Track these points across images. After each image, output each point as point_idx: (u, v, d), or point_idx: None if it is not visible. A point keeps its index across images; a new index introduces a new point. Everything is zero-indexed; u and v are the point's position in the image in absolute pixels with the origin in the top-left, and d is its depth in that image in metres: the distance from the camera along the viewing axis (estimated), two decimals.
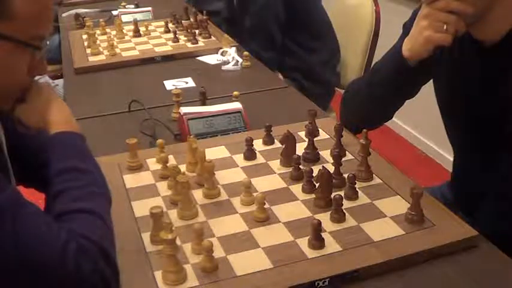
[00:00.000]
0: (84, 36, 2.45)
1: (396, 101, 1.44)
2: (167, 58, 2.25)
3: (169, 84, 1.98)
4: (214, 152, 1.43)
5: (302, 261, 1.04)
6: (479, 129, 1.33)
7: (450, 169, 1.56)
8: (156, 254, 1.06)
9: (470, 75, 1.30)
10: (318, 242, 1.06)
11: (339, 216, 1.14)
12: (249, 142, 1.41)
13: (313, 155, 1.39)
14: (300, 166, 1.31)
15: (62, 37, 2.67)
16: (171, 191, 1.25)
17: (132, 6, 2.98)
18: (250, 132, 1.53)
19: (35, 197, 1.07)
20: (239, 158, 1.41)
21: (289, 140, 1.37)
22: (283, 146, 1.38)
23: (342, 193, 1.19)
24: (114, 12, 2.89)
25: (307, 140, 1.41)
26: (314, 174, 1.23)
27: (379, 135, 1.64)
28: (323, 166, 1.22)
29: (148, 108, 1.73)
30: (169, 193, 1.25)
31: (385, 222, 1.14)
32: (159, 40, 2.44)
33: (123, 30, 2.51)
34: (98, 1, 3.23)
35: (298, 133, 1.48)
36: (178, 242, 1.05)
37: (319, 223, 1.06)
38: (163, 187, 1.29)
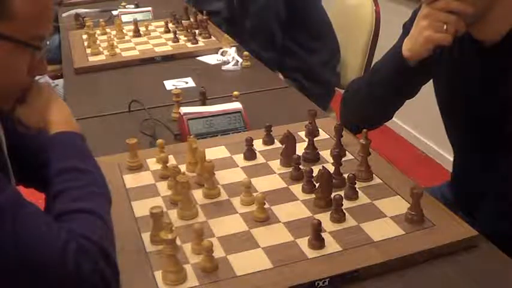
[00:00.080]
0: (84, 36, 2.45)
1: (396, 101, 1.44)
2: (167, 58, 2.25)
3: (169, 84, 1.98)
4: (214, 152, 1.43)
5: (302, 261, 1.04)
6: (479, 129, 1.33)
7: (450, 169, 1.56)
8: (156, 254, 1.06)
9: (470, 75, 1.30)
10: (318, 242, 1.06)
11: (339, 216, 1.14)
12: (249, 142, 1.41)
13: (313, 155, 1.39)
14: (300, 166, 1.30)
15: (62, 37, 2.67)
16: (171, 191, 1.25)
17: (132, 6, 2.98)
18: (250, 132, 1.53)
19: (35, 197, 1.07)
20: (239, 158, 1.41)
21: (289, 140, 1.37)
22: (283, 146, 1.38)
23: (342, 193, 1.20)
24: (114, 12, 2.88)
25: (307, 140, 1.41)
26: (314, 174, 1.23)
27: (379, 135, 1.64)
28: (323, 166, 1.22)
29: (148, 108, 1.73)
30: (169, 193, 1.25)
31: (385, 222, 1.14)
32: (159, 40, 2.44)
33: (123, 30, 2.51)
34: (98, 1, 3.23)
35: (298, 133, 1.48)
36: (178, 242, 1.05)
37: (319, 223, 1.06)
38: (163, 187, 1.29)
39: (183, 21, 2.57)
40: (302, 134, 1.49)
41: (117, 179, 1.33)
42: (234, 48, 2.24)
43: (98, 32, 2.48)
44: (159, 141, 1.39)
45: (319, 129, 1.51)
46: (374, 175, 1.29)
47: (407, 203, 1.16)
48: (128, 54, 2.28)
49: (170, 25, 2.54)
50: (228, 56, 2.19)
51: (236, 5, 2.72)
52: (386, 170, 1.33)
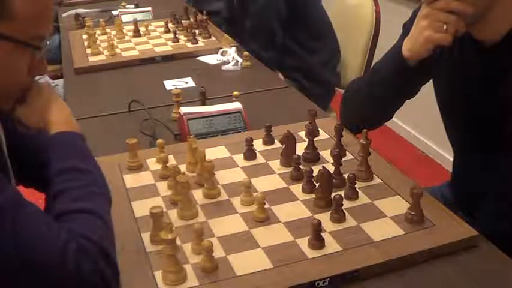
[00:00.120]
0: (84, 36, 2.45)
1: (396, 101, 1.44)
2: (167, 58, 2.25)
3: (169, 84, 1.98)
4: (214, 152, 1.43)
5: (302, 261, 1.04)
6: (479, 129, 1.33)
7: (450, 169, 1.56)
8: (156, 254, 1.06)
9: (470, 75, 1.30)
10: (318, 242, 1.06)
11: (339, 216, 1.14)
12: (249, 142, 1.41)
13: (313, 155, 1.39)
14: (300, 166, 1.30)
15: (62, 37, 2.67)
16: (171, 191, 1.25)
17: (132, 6, 2.98)
18: (250, 132, 1.53)
19: (35, 197, 1.07)
20: (239, 158, 1.41)
21: (289, 140, 1.37)
22: (283, 146, 1.38)
23: (342, 193, 1.20)
24: (114, 12, 2.88)
25: (307, 140, 1.41)
26: (314, 174, 1.23)
27: (379, 135, 1.64)
28: (323, 166, 1.22)
29: (148, 108, 1.73)
30: (169, 193, 1.25)
31: (385, 222, 1.14)
32: (159, 40, 2.44)
33: (123, 30, 2.51)
34: (98, 1, 3.23)
35: (298, 133, 1.48)
36: (178, 242, 1.05)
37: (319, 223, 1.06)
38: (163, 187, 1.29)
39: (183, 21, 2.57)
40: (302, 134, 1.49)
41: (117, 179, 1.33)
42: (234, 48, 2.24)
43: (98, 32, 2.48)
44: (159, 141, 1.39)
45: (319, 129, 1.51)
46: (374, 175, 1.29)
47: (407, 203, 1.16)
48: (128, 54, 2.28)
49: (170, 25, 2.54)
50: (228, 56, 2.19)
51: (236, 5, 2.72)
52: (386, 170, 1.33)
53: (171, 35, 2.42)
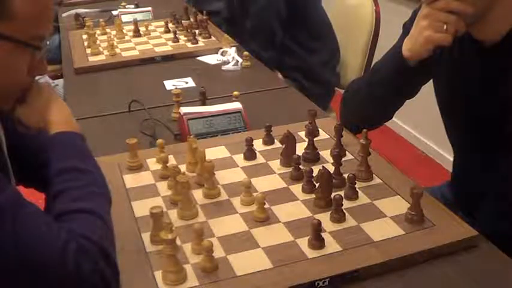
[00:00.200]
0: (84, 36, 2.45)
1: (396, 101, 1.44)
2: (167, 58, 2.25)
3: (169, 84, 1.98)
4: (214, 152, 1.43)
5: (302, 261, 1.04)
6: (479, 129, 1.33)
7: (450, 169, 1.56)
8: (156, 254, 1.06)
9: (470, 75, 1.30)
10: (318, 242, 1.06)
11: (339, 216, 1.14)
12: (249, 142, 1.41)
13: (313, 155, 1.39)
14: (300, 166, 1.30)
15: (62, 37, 2.67)
16: (171, 191, 1.25)
17: (132, 6, 2.98)
18: (250, 132, 1.53)
19: (35, 197, 1.07)
20: (239, 158, 1.41)
21: (289, 140, 1.37)
22: (283, 146, 1.38)
23: (342, 193, 1.20)
24: (114, 12, 2.88)
25: (307, 140, 1.41)
26: (314, 174, 1.23)
27: (379, 135, 1.64)
28: (323, 166, 1.22)
29: (148, 108, 1.73)
30: (169, 193, 1.25)
31: (385, 222, 1.14)
32: (159, 40, 2.44)
33: (123, 30, 2.51)
34: (98, 1, 3.23)
35: (298, 133, 1.48)
36: (178, 242, 1.05)
37: (319, 223, 1.06)
38: (163, 187, 1.29)
39: (183, 21, 2.57)
40: (302, 134, 1.49)
41: (117, 179, 1.33)
42: (234, 48, 2.24)
43: (98, 32, 2.48)
44: (159, 141, 1.39)
45: (319, 129, 1.51)
46: (374, 175, 1.29)
47: (407, 203, 1.16)
48: (128, 54, 2.28)
49: (170, 25, 2.54)
50: (228, 56, 2.19)
51: (236, 5, 2.72)
52: (386, 170, 1.33)
53: (171, 35, 2.42)
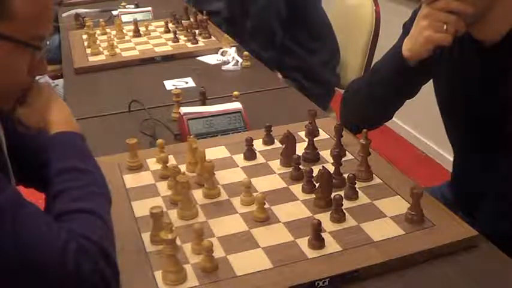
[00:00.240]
0: (84, 36, 2.45)
1: (396, 101, 1.44)
2: (167, 58, 2.25)
3: (169, 84, 1.98)
4: (214, 152, 1.43)
5: (302, 261, 1.04)
6: (479, 129, 1.33)
7: (450, 169, 1.56)
8: (156, 254, 1.06)
9: (470, 75, 1.30)
10: (318, 242, 1.06)
11: (339, 216, 1.14)
12: (249, 142, 1.41)
13: (313, 155, 1.39)
14: (300, 166, 1.30)
15: (62, 37, 2.67)
16: (171, 191, 1.25)
17: (132, 6, 2.98)
18: (250, 132, 1.53)
19: (35, 197, 1.07)
20: (239, 158, 1.41)
21: (289, 140, 1.37)
22: (283, 146, 1.38)
23: (342, 193, 1.20)
24: (114, 12, 2.88)
25: (307, 140, 1.41)
26: (314, 174, 1.23)
27: (379, 135, 1.64)
28: (323, 166, 1.22)
29: (148, 108, 1.73)
30: (169, 193, 1.25)
31: (385, 222, 1.14)
32: (159, 40, 2.44)
33: (123, 30, 2.51)
34: (98, 1, 3.23)
35: (298, 133, 1.48)
36: (178, 242, 1.05)
37: (319, 223, 1.06)
38: (163, 187, 1.29)
39: (183, 21, 2.57)
40: (302, 134, 1.49)
41: (117, 179, 1.33)
42: (234, 48, 2.24)
43: (98, 32, 2.48)
44: (159, 141, 1.39)
45: (319, 129, 1.51)
46: (374, 175, 1.29)
47: (407, 203, 1.16)
48: (128, 54, 2.28)
49: (170, 25, 2.54)
50: (228, 56, 2.19)
51: (236, 5, 2.72)
52: (386, 170, 1.33)
53: (171, 35, 2.42)
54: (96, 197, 0.96)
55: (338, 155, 1.28)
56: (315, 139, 1.41)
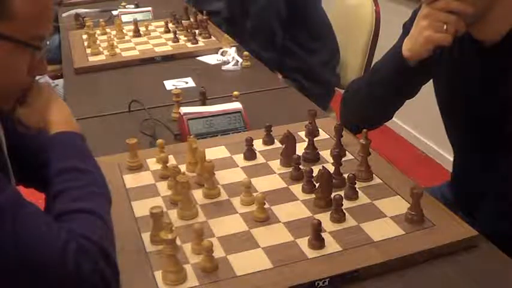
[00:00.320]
0: (84, 36, 2.45)
1: (396, 101, 1.44)
2: (167, 58, 2.25)
3: (169, 84, 1.98)
4: (214, 152, 1.43)
5: (302, 261, 1.04)
6: (479, 129, 1.33)
7: (450, 169, 1.56)
8: (156, 254, 1.06)
9: (470, 75, 1.30)
10: (318, 242, 1.06)
11: (339, 216, 1.14)
12: (249, 142, 1.41)
13: (313, 155, 1.39)
14: (300, 166, 1.30)
15: (62, 37, 2.67)
16: (171, 191, 1.25)
17: (132, 6, 2.98)
18: (250, 132, 1.53)
19: (35, 197, 1.07)
20: (239, 158, 1.41)
21: (289, 140, 1.37)
22: (283, 146, 1.38)
23: (342, 193, 1.20)
24: (114, 12, 2.88)
25: (307, 140, 1.41)
26: (314, 174, 1.23)
27: (379, 135, 1.64)
28: (323, 166, 1.22)
29: (148, 108, 1.73)
30: (169, 193, 1.25)
31: (385, 222, 1.14)
32: (159, 40, 2.44)
33: (123, 30, 2.51)
34: (98, 1, 3.23)
35: (298, 133, 1.48)
36: (178, 242, 1.05)
37: (319, 223, 1.06)
38: (163, 187, 1.29)
39: (183, 21, 2.57)
40: (302, 134, 1.49)
41: (117, 179, 1.33)
42: (234, 48, 2.24)
43: (98, 32, 2.48)
44: (159, 141, 1.39)
45: (319, 129, 1.51)
46: (374, 175, 1.29)
47: (407, 203, 1.16)
48: (128, 54, 2.28)
49: (170, 25, 2.54)
50: (228, 56, 2.19)
51: (236, 5, 2.72)
52: (386, 170, 1.33)
53: (171, 35, 2.42)
54: (96, 197, 0.96)
55: (338, 155, 1.28)
56: (315, 139, 1.41)
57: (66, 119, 1.05)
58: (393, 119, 1.54)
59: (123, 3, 3.01)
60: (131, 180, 1.33)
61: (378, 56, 1.74)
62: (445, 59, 1.34)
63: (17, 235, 0.81)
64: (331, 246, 1.07)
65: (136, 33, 2.49)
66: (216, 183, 1.28)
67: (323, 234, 1.08)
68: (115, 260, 0.91)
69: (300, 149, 1.39)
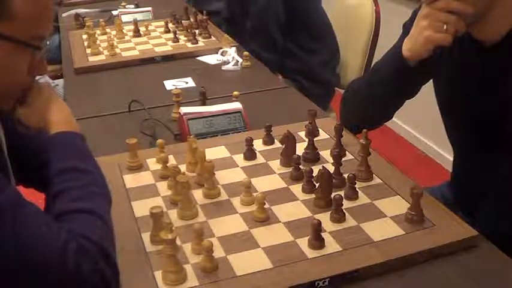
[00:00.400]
0: (84, 36, 2.45)
1: (396, 101, 1.44)
2: (167, 58, 2.25)
3: (169, 84, 1.98)
4: (214, 152, 1.43)
5: (302, 261, 1.04)
6: (479, 129, 1.33)
7: (450, 169, 1.56)
8: (156, 254, 1.06)
9: (470, 75, 1.30)
10: (318, 242, 1.06)
11: (339, 216, 1.14)
12: (249, 142, 1.41)
13: (313, 155, 1.39)
14: (300, 166, 1.30)
15: (62, 37, 2.67)
16: (171, 191, 1.25)
17: (132, 6, 2.98)
18: (250, 132, 1.53)
19: (35, 197, 1.07)
20: (239, 158, 1.41)
21: (289, 140, 1.37)
22: (283, 146, 1.38)
23: (342, 193, 1.20)
24: (114, 12, 2.88)
25: (307, 140, 1.41)
26: (314, 174, 1.23)
27: (379, 135, 1.64)
28: (323, 166, 1.22)
29: (148, 108, 1.73)
30: (169, 193, 1.25)
31: (385, 222, 1.14)
32: (159, 40, 2.44)
33: (123, 30, 2.51)
34: (98, 1, 3.23)
35: (298, 133, 1.48)
36: (178, 242, 1.05)
37: (319, 223, 1.06)
38: (163, 187, 1.29)
39: (183, 21, 2.57)
40: (302, 134, 1.49)
41: (117, 179, 1.33)
42: (234, 48, 2.24)
43: (98, 32, 2.48)
44: (159, 141, 1.39)
45: (319, 129, 1.51)
46: (374, 175, 1.29)
47: (407, 203, 1.16)
48: (128, 54, 2.28)
49: (170, 25, 2.54)
50: (228, 56, 2.19)
51: (236, 5, 2.72)
52: (386, 170, 1.33)
53: (171, 35, 2.42)
54: (96, 197, 0.96)
55: (338, 155, 1.28)
56: (315, 139, 1.41)
57: (66, 119, 1.05)
58: (393, 119, 1.54)
59: (123, 3, 3.01)
60: (131, 180, 1.33)
61: (378, 56, 1.74)
62: (445, 59, 1.34)
63: (17, 235, 0.81)
64: (331, 246, 1.07)
65: (136, 33, 2.49)
66: (216, 183, 1.28)
67: (323, 234, 1.08)
68: (115, 260, 0.91)
69: (300, 149, 1.39)
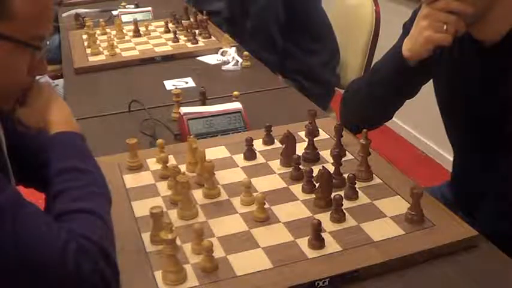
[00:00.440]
0: (84, 36, 2.45)
1: (396, 100, 1.44)
2: (167, 58, 2.25)
3: (169, 84, 1.98)
4: (214, 152, 1.43)
5: (302, 261, 1.04)
6: (479, 129, 1.33)
7: (450, 169, 1.56)
8: (156, 254, 1.06)
9: (470, 75, 1.30)
10: (318, 242, 1.06)
11: (339, 216, 1.14)
12: (249, 142, 1.41)
13: (313, 155, 1.39)
14: (300, 166, 1.30)
15: (62, 37, 2.67)
16: (171, 191, 1.25)
17: (132, 6, 2.98)
18: (250, 132, 1.53)
19: (35, 197, 1.07)
20: (239, 158, 1.41)
21: (289, 140, 1.37)
22: (283, 146, 1.38)
23: (342, 193, 1.20)
24: (114, 12, 2.89)
25: (307, 140, 1.41)
26: (314, 174, 1.23)
27: (379, 135, 1.64)
28: (323, 166, 1.22)
29: (148, 108, 1.73)
30: (169, 193, 1.25)
31: (385, 222, 1.14)
32: (159, 40, 2.44)
33: (123, 30, 2.51)
34: (98, 1, 3.23)
35: (298, 133, 1.48)
36: (178, 242, 1.05)
37: (319, 223, 1.06)
38: (163, 187, 1.29)
39: (183, 21, 2.57)
40: (302, 134, 1.49)
41: (117, 179, 1.33)
42: (234, 48, 2.24)
43: (98, 32, 2.48)
44: (159, 141, 1.39)
45: (319, 129, 1.51)
46: (374, 175, 1.29)
47: (407, 203, 1.16)
48: (128, 54, 2.28)
49: (170, 25, 2.54)
50: (228, 56, 2.19)
51: (236, 5, 2.72)
52: (386, 170, 1.33)
53: (171, 35, 2.42)
54: (96, 197, 0.96)
55: (338, 155, 1.28)
56: (315, 139, 1.41)
57: (66, 119, 1.05)
58: (393, 119, 1.54)
59: (123, 3, 3.01)
60: (131, 180, 1.33)
61: (378, 56, 1.74)
62: (445, 59, 1.34)
63: (17, 235, 0.81)
64: (331, 246, 1.07)
65: (136, 33, 2.49)
66: (216, 183, 1.28)
67: (323, 234, 1.08)
68: (115, 260, 0.91)
69: (300, 149, 1.39)
